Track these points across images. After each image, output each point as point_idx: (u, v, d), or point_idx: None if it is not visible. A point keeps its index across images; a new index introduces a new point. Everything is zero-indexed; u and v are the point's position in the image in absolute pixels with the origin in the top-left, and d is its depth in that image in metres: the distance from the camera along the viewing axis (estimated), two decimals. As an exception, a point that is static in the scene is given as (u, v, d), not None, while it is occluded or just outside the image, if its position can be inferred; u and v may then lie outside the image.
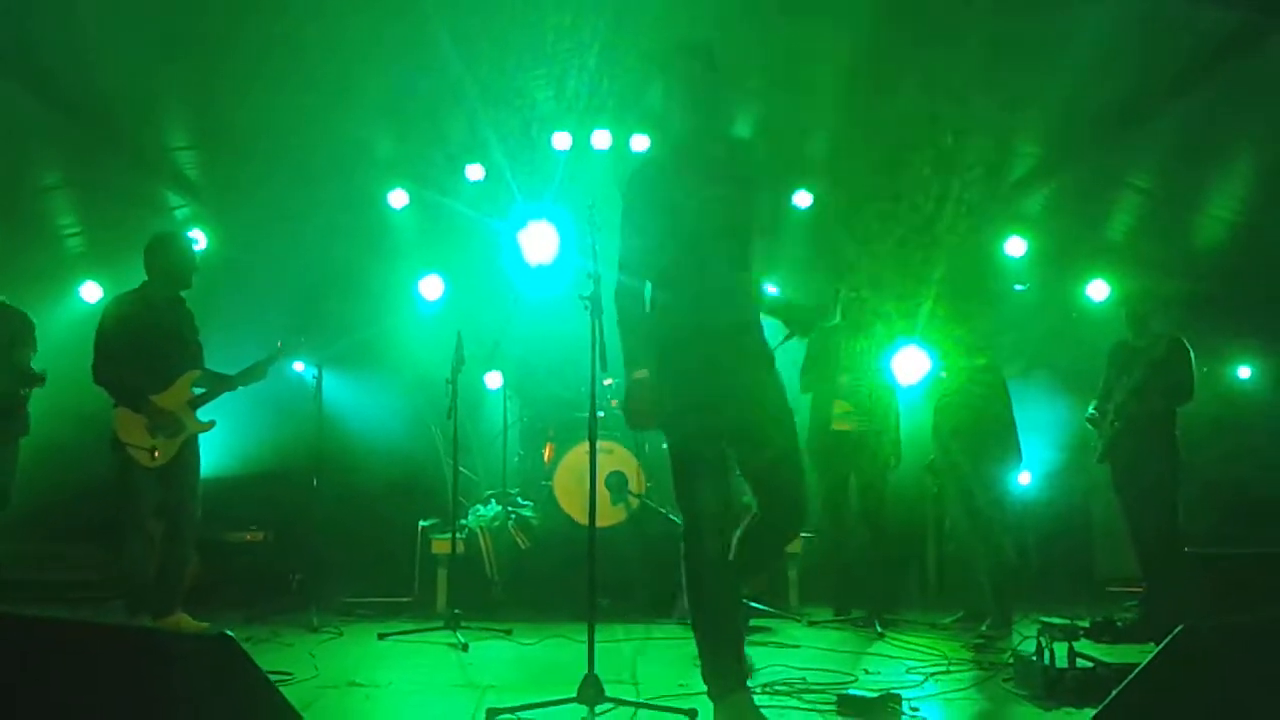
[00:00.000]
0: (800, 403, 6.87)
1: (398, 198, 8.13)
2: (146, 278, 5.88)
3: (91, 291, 8.21)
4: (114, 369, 5.68)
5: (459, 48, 6.58)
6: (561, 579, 6.53)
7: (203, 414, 5.86)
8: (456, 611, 6.00)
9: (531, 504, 7.26)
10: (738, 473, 3.66)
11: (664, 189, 3.71)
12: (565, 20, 7.08)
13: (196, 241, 6.14)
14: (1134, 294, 6.83)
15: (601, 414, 6.60)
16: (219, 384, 5.89)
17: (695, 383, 3.56)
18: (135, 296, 5.86)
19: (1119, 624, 5.83)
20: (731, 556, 3.56)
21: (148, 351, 5.72)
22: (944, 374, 6.49)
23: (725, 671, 3.47)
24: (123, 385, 5.67)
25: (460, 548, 6.70)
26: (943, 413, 6.40)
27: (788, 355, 6.57)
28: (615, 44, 7.26)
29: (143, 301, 5.83)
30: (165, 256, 5.86)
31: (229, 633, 2.34)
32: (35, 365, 6.37)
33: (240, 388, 5.98)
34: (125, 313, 5.77)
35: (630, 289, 3.69)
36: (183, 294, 5.97)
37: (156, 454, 5.62)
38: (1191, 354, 6.38)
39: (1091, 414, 6.65)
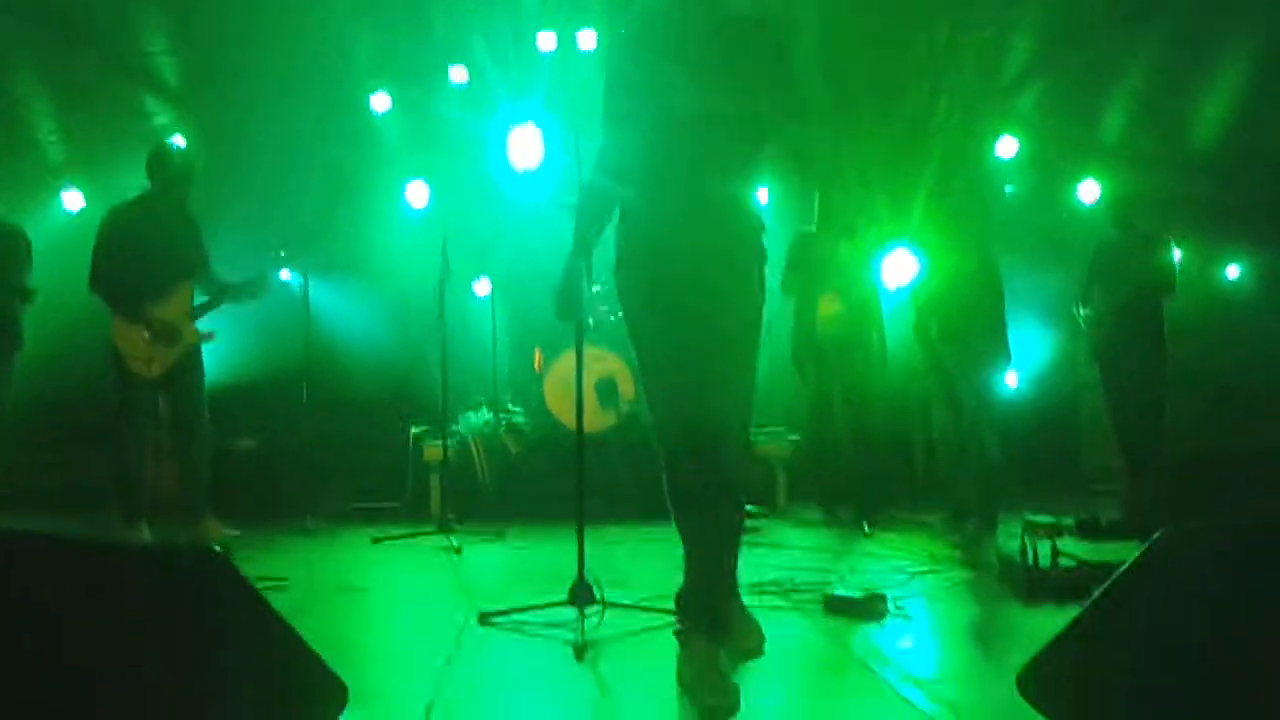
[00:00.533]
0: (784, 307, 6.86)
1: (380, 101, 7.98)
2: (148, 187, 5.86)
3: (73, 199, 8.11)
4: (111, 278, 5.68)
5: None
6: (553, 483, 6.59)
7: (204, 325, 5.87)
8: (449, 516, 6.08)
9: (522, 410, 7.29)
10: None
11: (631, 68, 3.10)
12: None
13: (186, 150, 6.08)
14: (1120, 193, 6.79)
15: (591, 321, 6.58)
16: (221, 294, 5.90)
17: (650, 305, 3.05)
18: (134, 205, 5.86)
19: (1104, 521, 5.89)
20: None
21: (145, 260, 5.72)
22: (932, 275, 6.45)
23: (693, 610, 3.01)
24: (119, 295, 5.68)
25: (452, 454, 6.75)
26: (930, 315, 6.38)
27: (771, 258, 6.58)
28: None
29: (141, 210, 5.83)
30: (163, 167, 5.84)
31: (216, 547, 2.36)
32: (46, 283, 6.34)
33: (247, 300, 5.98)
34: (123, 222, 5.77)
35: (596, 186, 3.18)
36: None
37: (154, 364, 5.62)
38: (1175, 250, 6.38)
39: (1087, 314, 6.67)
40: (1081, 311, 6.76)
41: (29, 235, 6.62)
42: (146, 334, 5.64)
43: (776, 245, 6.86)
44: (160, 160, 5.87)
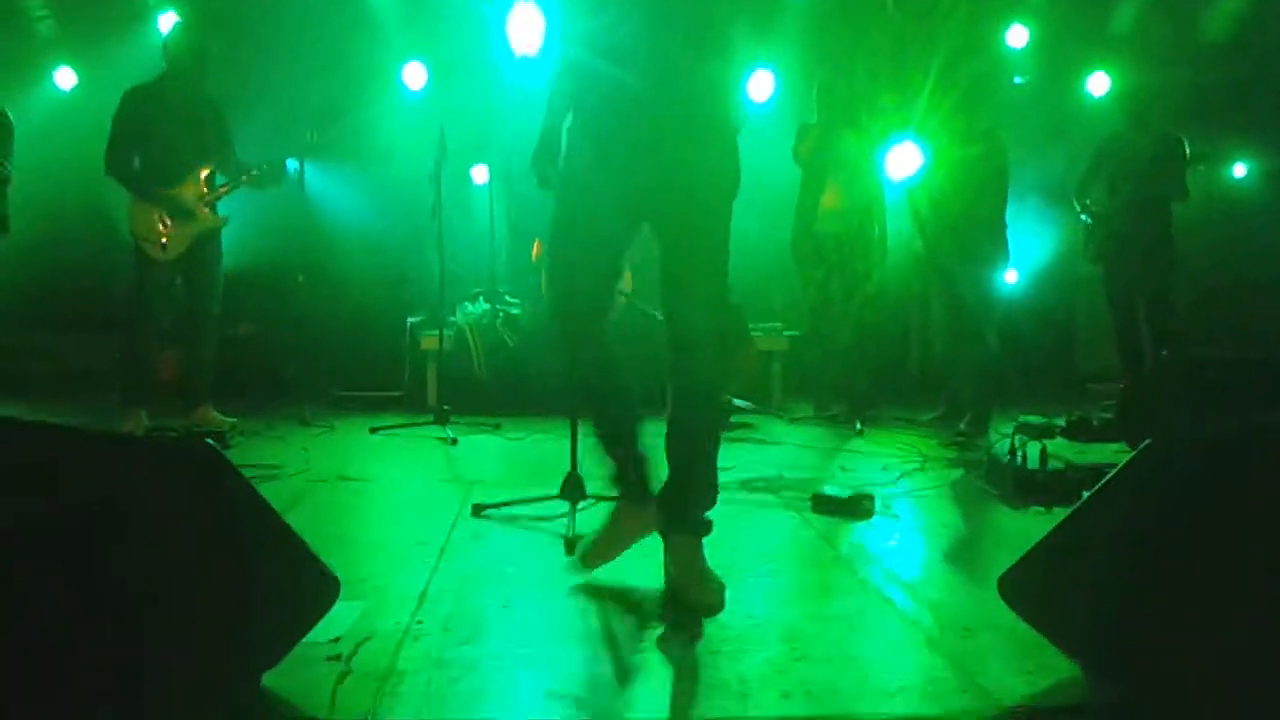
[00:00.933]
0: (785, 202, 6.79)
1: (376, -25, 7.77)
2: (164, 69, 5.81)
3: (65, 77, 7.97)
4: (126, 161, 5.68)
5: None
6: (549, 376, 6.59)
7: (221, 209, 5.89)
8: (446, 407, 6.11)
9: (520, 301, 7.26)
10: None
11: None
12: None
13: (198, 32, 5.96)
14: (1135, 88, 6.66)
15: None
16: (238, 179, 5.86)
17: (592, 158, 2.97)
18: (150, 87, 5.81)
19: (1095, 423, 5.93)
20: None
21: (161, 143, 5.71)
22: (935, 168, 6.35)
23: (673, 509, 2.99)
24: (133, 177, 5.68)
25: (448, 345, 6.77)
26: (932, 208, 6.30)
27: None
28: None
29: (158, 93, 5.77)
30: (174, 48, 5.78)
31: (209, 441, 2.37)
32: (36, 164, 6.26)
33: (269, 187, 5.96)
34: (138, 104, 5.73)
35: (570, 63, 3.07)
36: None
37: (168, 247, 5.64)
38: (1188, 152, 6.30)
39: (1090, 208, 6.61)
40: (1083, 205, 6.70)
41: (20, 112, 6.48)
42: (161, 216, 5.63)
43: (784, 137, 6.82)
44: (167, 42, 5.82)
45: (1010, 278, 7.33)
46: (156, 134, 5.69)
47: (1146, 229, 6.44)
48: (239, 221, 6.10)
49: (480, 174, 7.87)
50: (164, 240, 5.65)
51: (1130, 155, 6.46)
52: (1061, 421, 5.94)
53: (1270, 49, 7.57)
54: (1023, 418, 6.01)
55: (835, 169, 6.57)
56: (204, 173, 5.78)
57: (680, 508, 2.99)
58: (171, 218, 5.66)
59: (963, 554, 3.68)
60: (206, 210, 5.78)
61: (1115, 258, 6.61)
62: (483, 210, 7.61)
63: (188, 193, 5.72)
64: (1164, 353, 6.29)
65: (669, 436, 3.00)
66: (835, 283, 6.68)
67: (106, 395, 6.14)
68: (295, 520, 2.30)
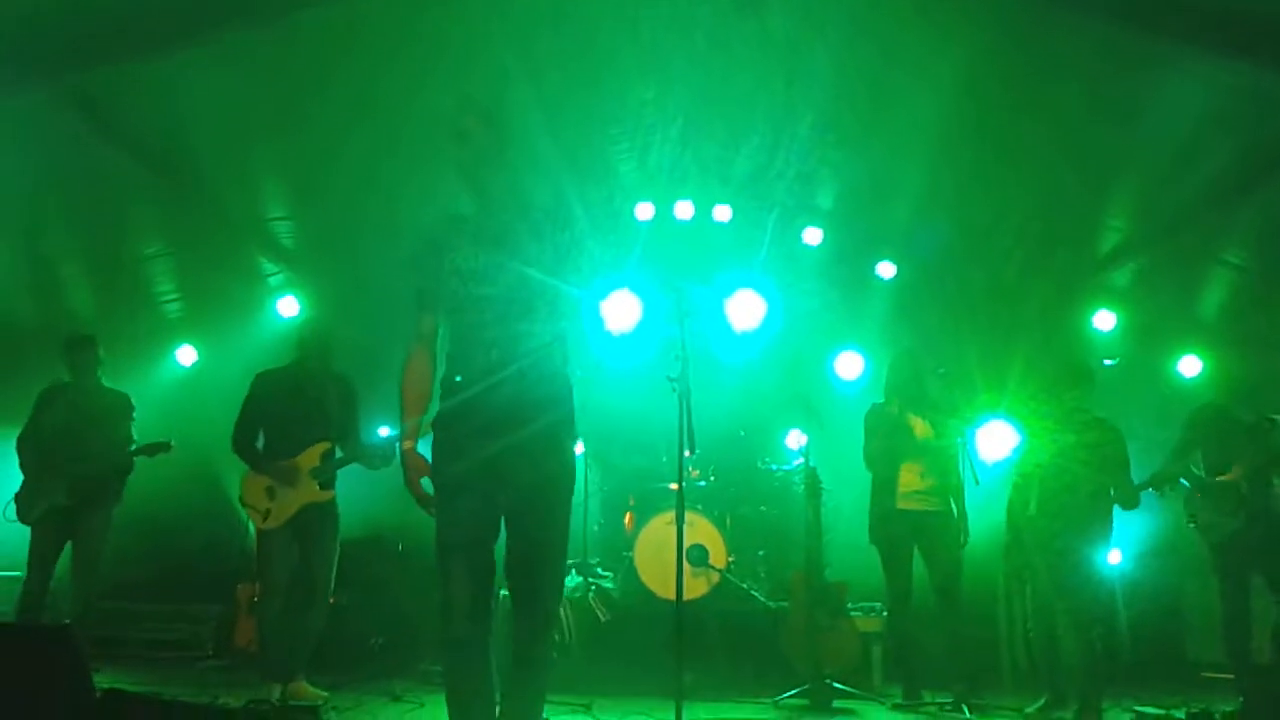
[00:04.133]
0: (854, 481, 6.75)
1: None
2: (295, 354, 6.15)
3: (187, 355, 8.48)
4: (249, 439, 5.94)
5: (545, 116, 6.70)
6: (642, 652, 6.48)
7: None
8: (538, 683, 5.98)
9: (611, 575, 7.24)
10: None
11: (448, 253, 3.54)
12: (649, 94, 7.23)
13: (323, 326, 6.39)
14: (1239, 366, 6.66)
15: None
16: (351, 456, 5.98)
17: (456, 464, 3.41)
18: (279, 372, 6.14)
19: (1218, 717, 5.62)
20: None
21: (283, 422, 5.95)
22: (1030, 450, 6.34)
23: None
24: (253, 453, 5.92)
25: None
26: (1026, 490, 6.23)
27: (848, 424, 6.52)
28: (698, 116, 7.38)
29: (285, 376, 6.08)
30: (300, 336, 6.16)
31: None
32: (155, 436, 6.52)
33: (379, 465, 5.97)
34: (266, 387, 6.03)
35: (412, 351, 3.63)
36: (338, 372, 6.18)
37: (270, 516, 5.79)
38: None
39: (1197, 477, 6.46)
40: (1180, 472, 6.58)
41: (143, 387, 6.90)
42: (267, 486, 5.82)
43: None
44: (300, 331, 6.22)
45: (1114, 558, 7.16)
46: (281, 414, 5.94)
47: (1256, 511, 6.27)
48: (342, 490, 6.24)
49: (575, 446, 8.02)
50: (268, 508, 5.79)
51: (1232, 431, 6.38)
52: (1181, 714, 5.64)
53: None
54: (1138, 708, 5.72)
55: (914, 449, 6.54)
56: (321, 448, 5.94)
57: None
58: (278, 488, 5.81)
59: None
60: (315, 484, 5.90)
61: (1232, 542, 6.37)
62: (576, 482, 7.69)
63: (299, 465, 5.88)
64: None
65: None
66: (916, 561, 6.52)
67: (204, 663, 6.15)
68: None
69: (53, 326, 7.91)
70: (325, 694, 5.87)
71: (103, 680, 3.79)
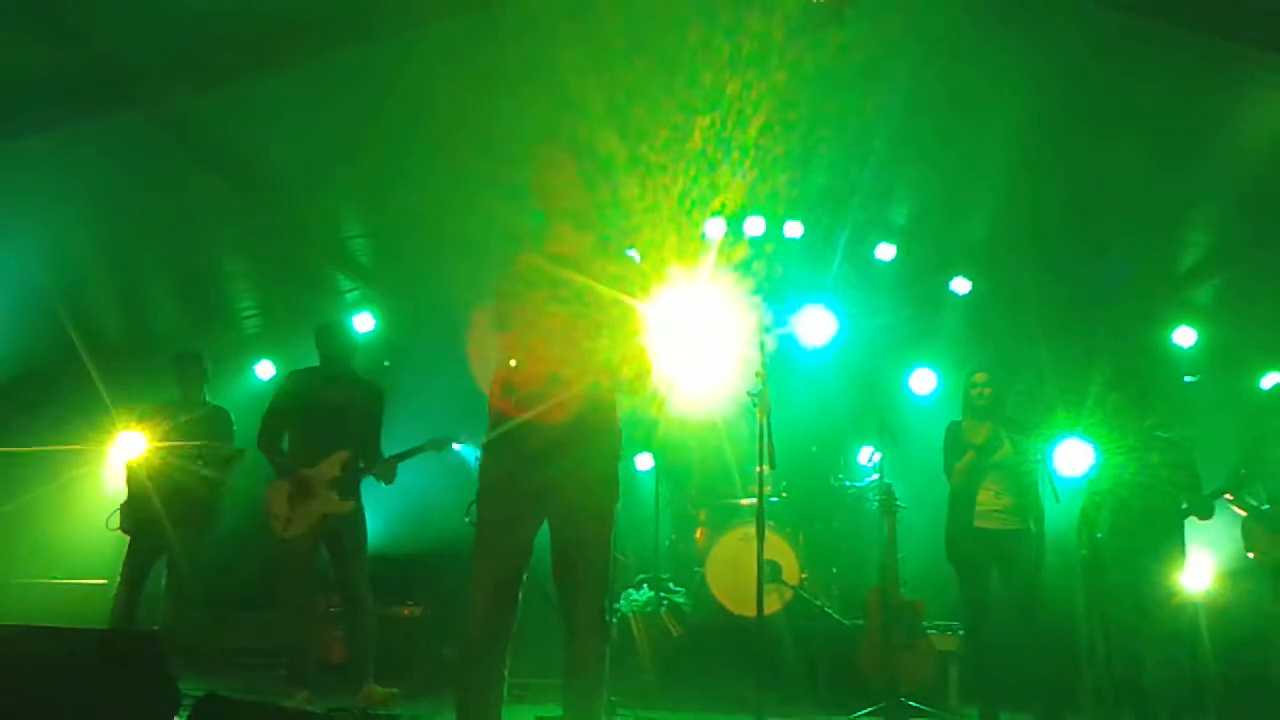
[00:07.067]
0: (928, 498, 6.68)
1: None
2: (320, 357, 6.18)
3: (266, 369, 8.64)
4: (273, 438, 5.95)
5: (619, 139, 6.75)
6: (714, 668, 6.47)
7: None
8: (612, 699, 5.99)
9: (683, 590, 7.24)
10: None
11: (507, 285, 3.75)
12: (723, 109, 7.25)
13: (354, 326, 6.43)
14: None
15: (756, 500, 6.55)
16: (371, 467, 5.97)
17: (494, 494, 3.58)
18: (310, 371, 6.15)
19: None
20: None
21: (307, 425, 5.94)
22: (1106, 469, 6.23)
23: None
24: (277, 453, 5.93)
25: (614, 632, 6.72)
26: (1100, 509, 6.13)
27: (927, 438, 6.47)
28: (771, 131, 7.38)
29: (316, 376, 6.09)
30: (323, 341, 6.16)
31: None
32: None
33: (384, 482, 6.03)
34: (296, 385, 6.08)
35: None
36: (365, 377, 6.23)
37: (290, 524, 5.77)
38: None
39: (1253, 507, 6.35)
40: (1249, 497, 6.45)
41: (223, 402, 7.03)
42: (287, 494, 5.79)
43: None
44: (318, 335, 6.19)
45: (1195, 578, 7.00)
46: (306, 416, 5.93)
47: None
48: (410, 504, 6.29)
49: (644, 461, 8.05)
50: (287, 518, 5.76)
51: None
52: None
53: None
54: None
55: (992, 467, 6.44)
56: (341, 457, 5.87)
57: None
58: (297, 497, 5.78)
59: None
60: (334, 494, 5.82)
61: None
62: (647, 496, 7.74)
63: (319, 474, 5.82)
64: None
65: None
66: (993, 580, 6.42)
67: (275, 671, 6.24)
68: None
69: (137, 341, 8.15)
70: (395, 690, 5.91)
71: (186, 687, 3.87)
